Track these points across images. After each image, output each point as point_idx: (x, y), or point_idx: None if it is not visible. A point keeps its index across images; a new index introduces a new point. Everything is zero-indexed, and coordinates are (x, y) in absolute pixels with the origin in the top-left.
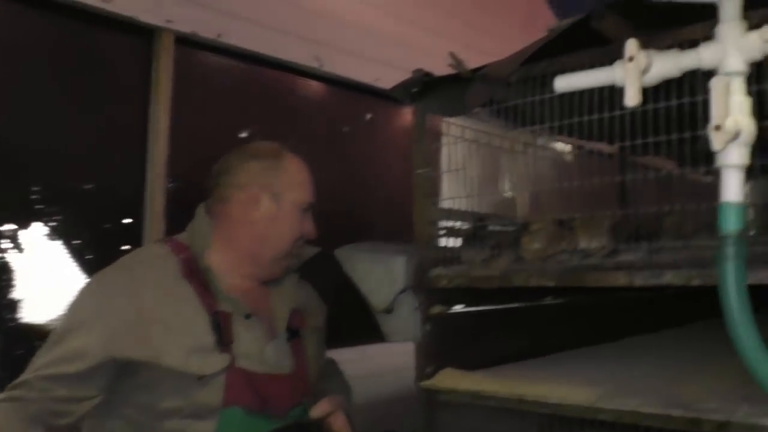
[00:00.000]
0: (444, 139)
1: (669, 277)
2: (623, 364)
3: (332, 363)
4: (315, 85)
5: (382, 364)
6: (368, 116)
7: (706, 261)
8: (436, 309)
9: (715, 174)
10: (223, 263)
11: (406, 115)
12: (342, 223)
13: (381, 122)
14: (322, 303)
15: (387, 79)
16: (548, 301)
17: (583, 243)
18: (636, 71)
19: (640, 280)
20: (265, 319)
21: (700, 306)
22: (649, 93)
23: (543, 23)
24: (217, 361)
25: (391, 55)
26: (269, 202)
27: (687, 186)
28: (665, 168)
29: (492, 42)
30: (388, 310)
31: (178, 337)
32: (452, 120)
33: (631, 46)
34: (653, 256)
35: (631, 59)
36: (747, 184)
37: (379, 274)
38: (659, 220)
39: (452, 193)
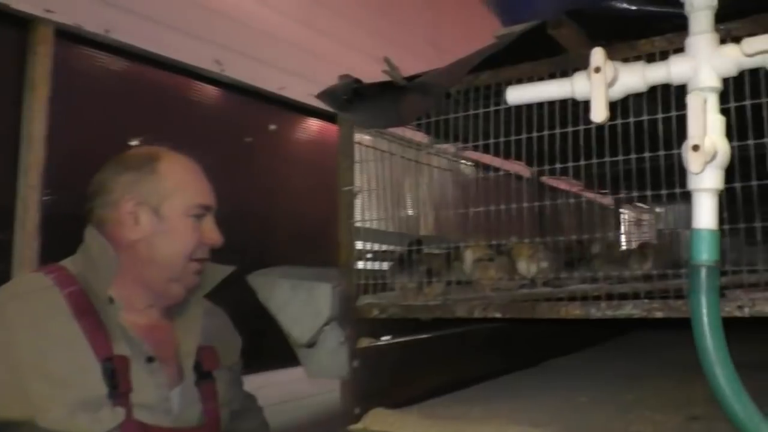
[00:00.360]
0: (372, 154)
1: (629, 309)
2: (560, 393)
3: (250, 399)
4: (214, 91)
5: (308, 387)
6: (272, 127)
7: (667, 291)
8: (365, 342)
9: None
10: (117, 297)
11: (313, 126)
12: (243, 241)
13: (286, 133)
14: (238, 335)
15: (293, 88)
16: (474, 326)
17: (522, 269)
18: (603, 83)
19: (597, 311)
20: (170, 360)
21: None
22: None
23: (449, 41)
24: (109, 417)
25: (298, 63)
26: (148, 215)
27: (605, 211)
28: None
29: (401, 55)
30: (311, 344)
31: (62, 390)
32: (377, 133)
33: (598, 56)
34: (611, 286)
35: (597, 70)
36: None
37: (301, 304)
38: (587, 245)
39: (374, 213)
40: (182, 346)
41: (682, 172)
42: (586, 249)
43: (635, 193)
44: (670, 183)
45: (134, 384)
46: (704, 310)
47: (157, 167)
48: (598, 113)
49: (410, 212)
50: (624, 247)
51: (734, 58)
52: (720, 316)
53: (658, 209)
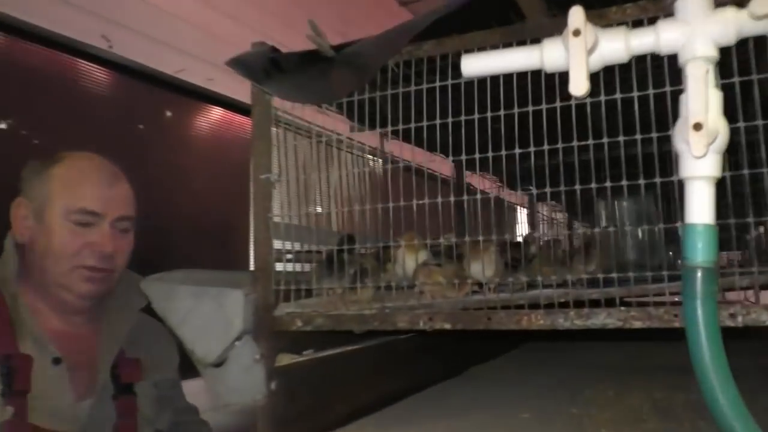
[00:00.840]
0: (293, 138)
1: (602, 318)
2: (498, 408)
3: (194, 419)
4: (101, 71)
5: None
6: (168, 113)
7: (642, 297)
8: (285, 359)
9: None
10: (26, 299)
11: (214, 114)
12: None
13: (184, 121)
14: (174, 352)
15: (192, 72)
16: (400, 335)
17: (476, 272)
18: (583, 49)
19: (565, 321)
20: (86, 369)
21: None
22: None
23: (357, 31)
24: None
25: (198, 45)
26: (32, 216)
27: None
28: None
29: (308, 43)
30: (219, 363)
31: None
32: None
33: (577, 16)
34: (580, 291)
35: (576, 33)
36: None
37: (207, 315)
38: (524, 245)
39: (295, 206)
40: (100, 356)
41: (613, 164)
42: (523, 249)
43: (596, 185)
44: (601, 178)
45: (37, 386)
46: (701, 321)
47: (52, 169)
48: (579, 85)
49: (336, 207)
50: (564, 247)
51: (735, 22)
52: (719, 328)
53: (601, 204)
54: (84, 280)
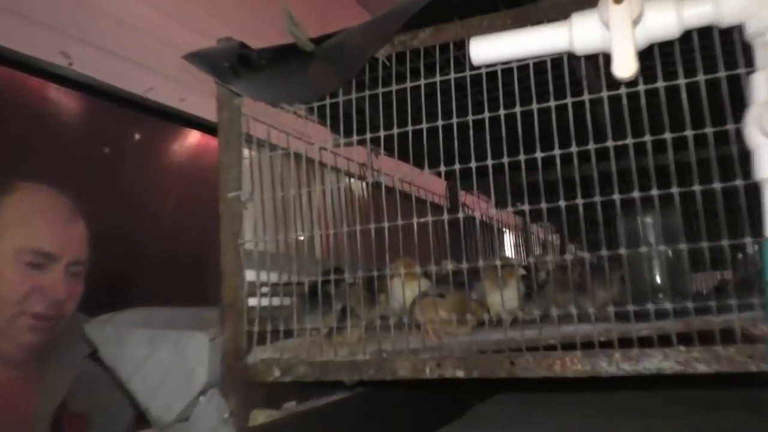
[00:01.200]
0: (269, 149)
1: (657, 362)
2: None
3: None
4: (60, 91)
5: None
6: (136, 136)
7: (709, 331)
8: (260, 416)
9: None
10: None
11: (188, 137)
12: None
13: (153, 145)
14: (127, 405)
15: (161, 91)
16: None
17: (495, 303)
18: (628, 18)
19: (609, 366)
20: (20, 425)
21: None
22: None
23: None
24: None
25: (168, 62)
26: None
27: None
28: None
29: None
30: (180, 422)
31: None
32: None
33: None
34: (626, 326)
35: (618, 0)
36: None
37: (165, 364)
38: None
39: (271, 229)
40: (38, 411)
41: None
42: (533, 275)
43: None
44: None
45: None
46: None
47: (2, 201)
48: (625, 64)
49: (320, 230)
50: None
51: None
52: None
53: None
54: (27, 330)
